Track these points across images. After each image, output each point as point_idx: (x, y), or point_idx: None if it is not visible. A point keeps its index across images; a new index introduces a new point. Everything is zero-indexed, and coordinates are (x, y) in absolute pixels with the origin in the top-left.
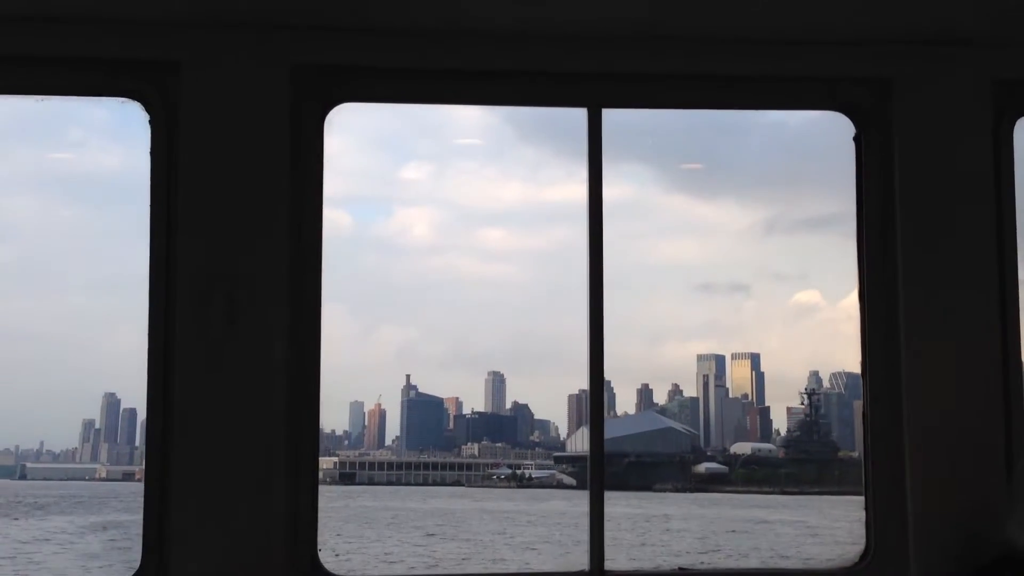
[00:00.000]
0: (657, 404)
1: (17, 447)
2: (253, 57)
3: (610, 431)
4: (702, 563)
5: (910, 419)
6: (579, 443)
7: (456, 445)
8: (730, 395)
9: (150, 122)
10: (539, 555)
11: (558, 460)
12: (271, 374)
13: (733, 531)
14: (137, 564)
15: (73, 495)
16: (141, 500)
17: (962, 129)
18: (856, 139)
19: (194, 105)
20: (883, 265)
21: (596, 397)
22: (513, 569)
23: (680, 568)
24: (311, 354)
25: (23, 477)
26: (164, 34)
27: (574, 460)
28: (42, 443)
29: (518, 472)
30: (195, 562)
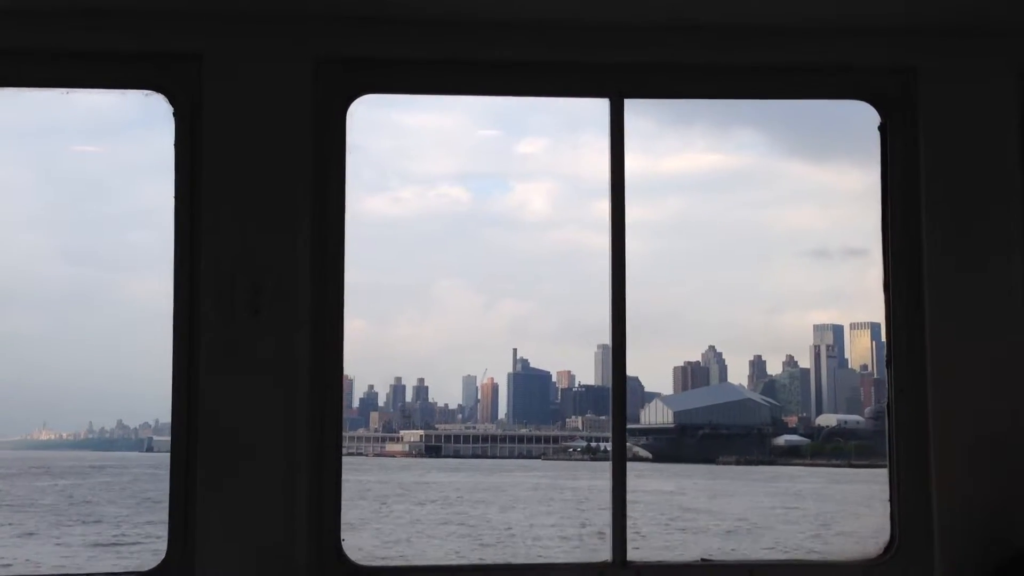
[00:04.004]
0: (769, 375)
1: (157, 420)
2: (275, 49)
3: (686, 403)
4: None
5: (935, 412)
6: (652, 414)
7: (562, 418)
8: (849, 365)
9: (174, 114)
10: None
11: (631, 433)
12: (294, 364)
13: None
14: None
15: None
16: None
17: (987, 118)
18: (881, 128)
19: (217, 97)
20: (909, 256)
21: (619, 386)
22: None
23: (703, 559)
24: (334, 344)
25: (150, 449)
26: (187, 27)
27: (646, 432)
28: None
29: (592, 445)
30: (220, 551)
